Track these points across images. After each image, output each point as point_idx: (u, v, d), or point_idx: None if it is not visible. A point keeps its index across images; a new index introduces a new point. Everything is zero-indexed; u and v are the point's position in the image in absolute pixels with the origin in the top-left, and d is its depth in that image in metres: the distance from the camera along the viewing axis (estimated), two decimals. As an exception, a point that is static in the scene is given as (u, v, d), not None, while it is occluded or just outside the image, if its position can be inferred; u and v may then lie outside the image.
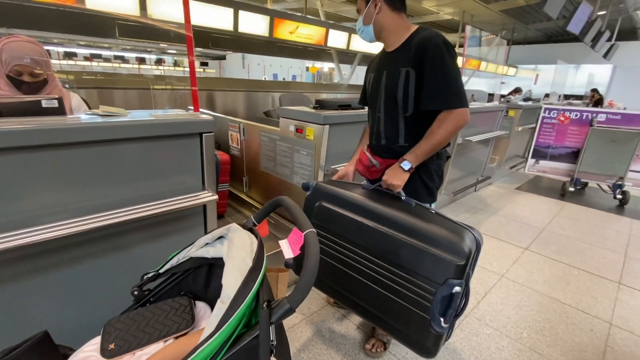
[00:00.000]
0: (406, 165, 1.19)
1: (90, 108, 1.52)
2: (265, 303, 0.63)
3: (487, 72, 7.95)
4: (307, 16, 6.54)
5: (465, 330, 1.71)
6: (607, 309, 1.94)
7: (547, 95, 6.07)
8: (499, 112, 3.57)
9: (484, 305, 1.92)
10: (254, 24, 3.80)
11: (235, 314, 0.61)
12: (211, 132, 1.25)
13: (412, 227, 1.04)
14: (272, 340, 0.64)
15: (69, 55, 9.35)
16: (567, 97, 6.61)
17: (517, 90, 6.04)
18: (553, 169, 4.02)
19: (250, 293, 0.64)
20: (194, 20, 3.37)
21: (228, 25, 3.63)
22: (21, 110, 1.03)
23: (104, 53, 10.58)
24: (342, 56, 5.99)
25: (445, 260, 0.95)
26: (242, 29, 3.71)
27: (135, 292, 0.90)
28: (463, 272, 0.95)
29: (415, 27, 1.23)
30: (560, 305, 1.95)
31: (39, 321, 1.03)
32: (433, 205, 1.39)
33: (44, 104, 1.08)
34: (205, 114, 1.26)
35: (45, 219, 0.97)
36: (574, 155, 3.85)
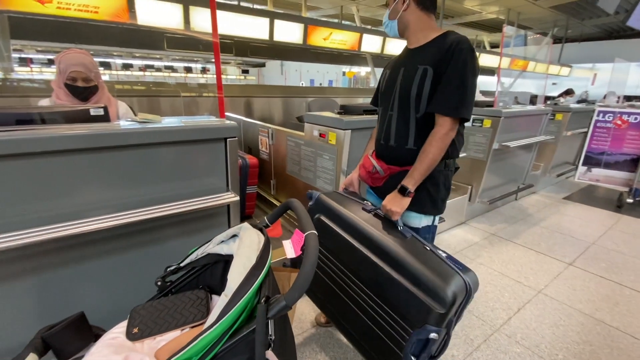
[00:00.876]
0: (405, 191, 1.17)
1: (136, 115, 1.69)
2: (264, 298, 0.67)
3: (537, 73, 7.42)
4: (342, 22, 6.60)
5: (492, 347, 1.62)
6: (664, 336, 1.73)
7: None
8: (542, 116, 3.33)
9: (516, 321, 1.80)
10: (288, 32, 3.93)
11: (235, 307, 0.65)
12: (235, 137, 1.32)
13: (400, 261, 1.01)
14: (271, 335, 0.68)
15: (126, 67, 10.29)
16: (628, 98, 5.96)
17: (568, 92, 5.55)
18: (608, 178, 3.66)
19: (252, 288, 0.68)
20: (233, 32, 3.60)
21: (264, 35, 3.79)
22: (73, 118, 1.19)
23: (156, 64, 11.49)
24: (378, 60, 5.95)
25: (426, 305, 0.91)
26: (277, 37, 3.86)
27: (159, 283, 0.99)
28: (443, 320, 0.91)
29: (444, 30, 1.19)
30: (606, 328, 1.77)
31: (77, 303, 1.16)
32: (437, 220, 1.34)
33: (92, 112, 1.23)
34: (230, 120, 1.35)
35: (90, 213, 1.10)
36: (633, 163, 3.47)
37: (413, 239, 1.12)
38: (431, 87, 1.14)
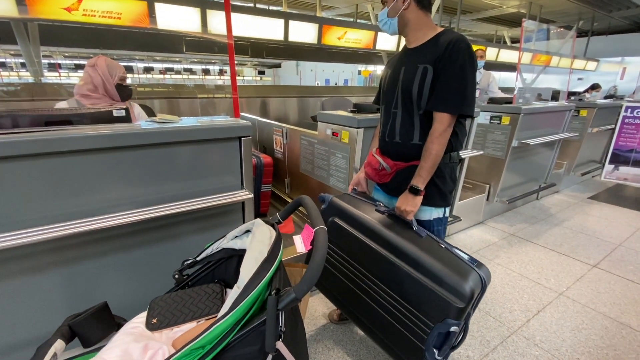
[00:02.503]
0: (416, 190, 1.20)
1: (149, 116, 1.78)
2: (275, 291, 0.69)
3: (561, 68, 7.13)
4: (358, 21, 6.58)
5: (510, 349, 1.58)
6: (697, 342, 1.64)
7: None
8: (565, 112, 3.20)
9: (535, 323, 1.75)
10: (303, 32, 3.96)
11: (247, 298, 0.67)
12: (249, 136, 1.36)
13: (419, 260, 1.05)
14: (281, 327, 0.69)
15: (147, 70, 10.63)
16: (661, 93, 5.64)
17: (594, 87, 5.32)
18: (637, 177, 3.49)
19: (263, 281, 0.70)
20: (249, 33, 3.66)
21: (279, 36, 3.84)
22: (97, 119, 1.25)
23: (175, 66, 11.82)
24: (393, 58, 5.90)
25: (446, 301, 0.96)
26: (292, 38, 3.89)
27: (176, 276, 1.03)
28: (462, 314, 0.96)
29: (441, 29, 1.22)
30: (631, 332, 1.69)
31: (101, 294, 1.22)
32: (447, 210, 1.35)
33: (115, 113, 1.29)
34: (244, 120, 1.38)
35: (113, 209, 1.16)
36: (664, 161, 3.29)
37: (428, 237, 1.16)
38: (431, 85, 1.17)
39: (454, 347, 1.04)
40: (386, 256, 1.13)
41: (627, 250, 2.54)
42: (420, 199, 1.21)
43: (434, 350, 1.00)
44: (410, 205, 1.20)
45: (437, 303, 0.98)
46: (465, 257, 1.05)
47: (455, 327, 0.96)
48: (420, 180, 1.19)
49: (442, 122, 1.16)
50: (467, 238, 2.73)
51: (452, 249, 1.09)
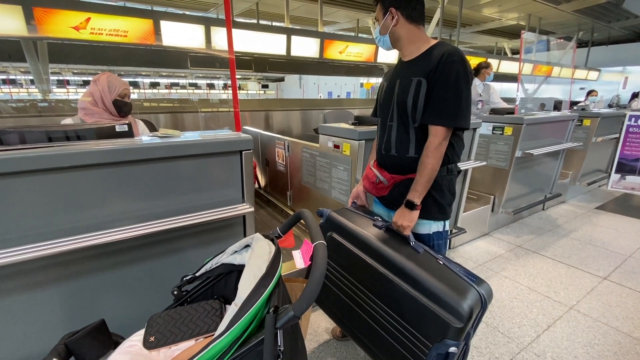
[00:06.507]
0: (411, 205, 1.18)
1: (150, 131, 1.80)
2: (273, 308, 0.67)
3: (563, 78, 7.15)
4: (359, 35, 6.69)
5: (519, 366, 1.53)
6: None
7: (634, 96, 5.23)
8: (568, 122, 3.19)
9: (546, 339, 1.70)
10: (305, 47, 4.03)
11: (245, 316, 0.65)
12: (250, 150, 1.36)
13: (416, 278, 1.02)
14: (280, 346, 0.67)
15: (153, 85, 10.84)
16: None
17: (590, 93, 5.38)
18: (644, 186, 3.43)
19: (261, 298, 0.69)
20: (253, 48, 3.72)
21: (282, 51, 3.91)
22: (100, 134, 1.26)
23: (181, 81, 12.04)
24: (394, 71, 5.96)
25: (444, 321, 0.93)
26: (294, 52, 3.96)
27: (175, 292, 1.01)
28: (461, 334, 0.92)
29: (435, 41, 1.22)
30: (647, 349, 1.63)
31: (99, 310, 1.20)
32: (447, 224, 1.33)
33: (117, 128, 1.30)
34: (246, 133, 1.38)
35: (113, 224, 1.15)
36: (672, 170, 3.24)
37: (426, 253, 1.13)
38: (425, 98, 1.16)
39: None
40: (384, 273, 1.11)
41: (638, 262, 2.48)
42: (416, 213, 1.19)
43: None
44: (406, 220, 1.18)
45: (435, 322, 0.95)
46: (465, 273, 1.02)
47: (454, 348, 0.92)
48: (415, 195, 1.18)
49: (436, 136, 1.14)
50: (473, 250, 2.68)
51: (450, 264, 1.06)
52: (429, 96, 1.15)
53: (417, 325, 1.01)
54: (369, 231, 1.23)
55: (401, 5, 1.19)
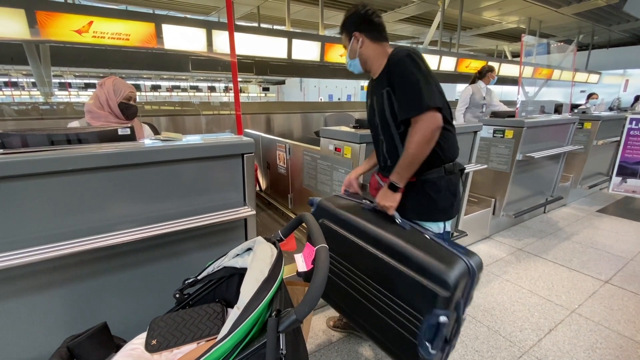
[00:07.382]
0: (392, 185, 1.22)
1: (153, 134, 1.81)
2: (275, 312, 0.67)
3: (564, 81, 7.17)
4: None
5: (521, 369, 1.52)
6: None
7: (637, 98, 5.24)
8: (569, 125, 3.19)
9: (547, 343, 1.69)
10: (306, 50, 4.04)
11: (247, 320, 0.66)
12: (251, 153, 1.36)
13: (403, 253, 1.04)
14: (282, 349, 0.68)
15: (155, 88, 10.88)
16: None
17: (590, 96, 5.40)
18: (646, 189, 3.43)
19: (263, 302, 0.69)
20: (254, 52, 3.74)
21: (283, 54, 3.92)
22: (102, 137, 1.27)
23: (182, 84, 12.09)
24: (395, 74, 5.97)
25: (432, 291, 0.95)
26: (295, 56, 3.97)
27: (177, 295, 1.01)
28: (450, 303, 0.93)
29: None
30: (649, 353, 1.62)
31: (101, 313, 1.21)
32: (447, 225, 1.34)
33: (120, 132, 1.31)
34: (247, 137, 1.39)
35: (115, 227, 1.16)
36: (673, 173, 3.24)
37: (412, 229, 1.16)
38: (396, 102, 1.22)
39: (448, 341, 1.00)
40: (374, 253, 1.13)
41: (640, 265, 2.48)
42: (398, 195, 1.23)
43: (427, 344, 0.97)
44: (389, 200, 1.22)
45: (423, 294, 0.97)
46: (453, 246, 1.03)
47: (444, 318, 0.93)
48: (395, 176, 1.22)
49: (413, 125, 1.18)
50: (474, 253, 2.68)
51: (438, 239, 1.08)
52: (396, 99, 1.22)
53: (409, 300, 1.02)
54: (357, 214, 1.26)
55: (362, 28, 1.28)
